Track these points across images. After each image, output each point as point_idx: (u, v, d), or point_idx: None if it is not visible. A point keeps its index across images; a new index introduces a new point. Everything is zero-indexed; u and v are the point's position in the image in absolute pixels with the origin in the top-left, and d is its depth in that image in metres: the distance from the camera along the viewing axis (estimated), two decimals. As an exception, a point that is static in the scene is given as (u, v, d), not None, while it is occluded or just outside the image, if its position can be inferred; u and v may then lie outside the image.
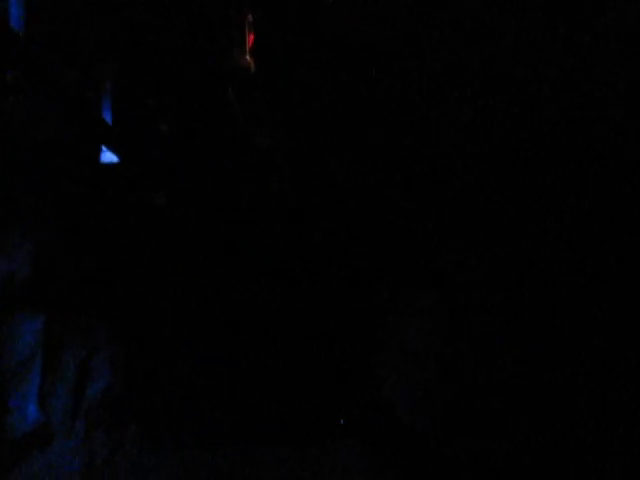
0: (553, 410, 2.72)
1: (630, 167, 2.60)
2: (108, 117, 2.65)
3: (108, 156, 2.75)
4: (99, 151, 2.74)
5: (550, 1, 2.54)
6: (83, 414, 2.81)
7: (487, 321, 2.98)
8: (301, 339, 3.28)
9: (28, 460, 2.36)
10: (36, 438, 2.41)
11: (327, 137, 3.00)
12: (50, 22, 2.28)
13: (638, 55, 2.57)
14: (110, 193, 2.83)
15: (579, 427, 2.63)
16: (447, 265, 3.14)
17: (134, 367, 3.27)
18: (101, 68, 2.63)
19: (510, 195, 2.88)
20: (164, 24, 2.56)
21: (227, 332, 3.24)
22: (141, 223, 3.05)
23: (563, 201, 2.73)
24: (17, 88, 2.08)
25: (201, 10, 2.51)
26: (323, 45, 2.70)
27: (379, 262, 3.32)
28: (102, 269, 2.95)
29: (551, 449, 2.68)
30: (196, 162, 3.06)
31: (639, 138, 2.62)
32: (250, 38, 2.57)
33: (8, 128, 2.13)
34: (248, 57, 2.58)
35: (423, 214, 3.09)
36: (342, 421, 2.94)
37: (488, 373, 2.91)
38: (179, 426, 3.29)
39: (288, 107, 2.97)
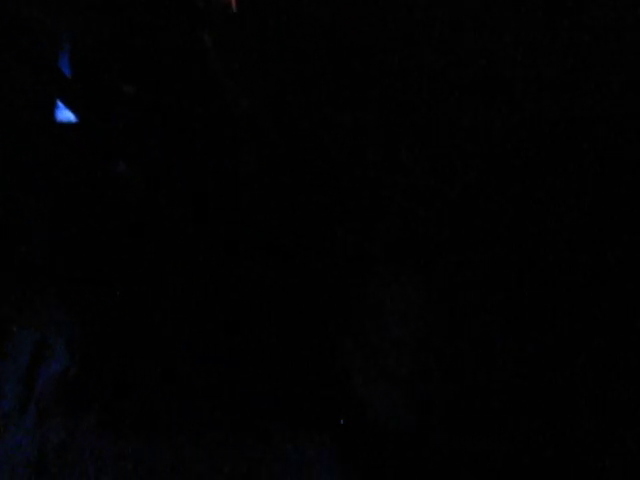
0: (549, 410, 2.71)
1: (630, 167, 2.60)
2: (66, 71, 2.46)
3: (65, 115, 2.54)
4: (54, 107, 2.58)
5: (550, 0, 2.54)
6: (36, 400, 2.68)
7: (482, 308, 2.90)
8: (270, 319, 3.09)
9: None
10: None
11: (323, 102, 2.85)
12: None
13: (638, 55, 2.58)
14: (65, 156, 2.66)
15: (578, 427, 2.63)
16: (437, 246, 2.99)
17: (95, 350, 3.08)
18: (59, 20, 2.43)
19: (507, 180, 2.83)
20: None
21: (199, 315, 3.05)
22: (101, 191, 2.84)
23: (563, 201, 2.74)
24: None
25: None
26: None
27: (366, 240, 3.10)
28: (60, 244, 2.81)
29: (545, 450, 2.67)
30: (164, 126, 2.85)
31: (639, 138, 2.63)
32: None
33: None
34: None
35: (418, 194, 3.01)
36: (342, 421, 2.93)
37: (486, 371, 2.85)
38: (141, 415, 3.09)
39: (277, 59, 2.68)
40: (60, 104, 2.52)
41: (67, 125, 2.57)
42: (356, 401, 2.94)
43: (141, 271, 2.95)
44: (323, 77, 2.82)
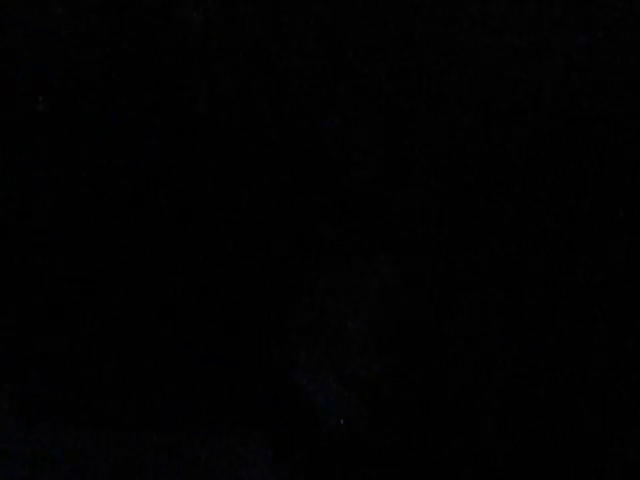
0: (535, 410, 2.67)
1: (630, 167, 2.60)
2: None
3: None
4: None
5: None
6: None
7: (461, 301, 2.75)
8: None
9: None
10: None
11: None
12: None
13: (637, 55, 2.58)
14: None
15: (574, 427, 2.60)
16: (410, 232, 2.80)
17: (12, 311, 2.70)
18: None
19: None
20: None
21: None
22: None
23: (563, 201, 2.74)
24: None
25: None
26: None
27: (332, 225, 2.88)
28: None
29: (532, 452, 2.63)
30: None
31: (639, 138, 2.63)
32: None
33: None
34: None
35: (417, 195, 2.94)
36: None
37: (463, 371, 2.72)
38: (57, 398, 2.75)
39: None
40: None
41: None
42: (300, 399, 2.78)
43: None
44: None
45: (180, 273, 2.82)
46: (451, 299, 2.74)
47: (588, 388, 2.63)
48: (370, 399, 2.70)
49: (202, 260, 2.82)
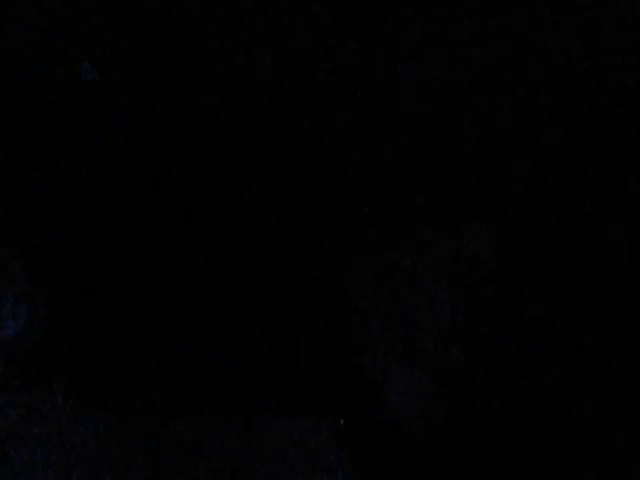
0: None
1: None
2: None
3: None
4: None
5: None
6: None
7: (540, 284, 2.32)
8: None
9: None
10: None
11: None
12: None
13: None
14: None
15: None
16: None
17: (61, 306, 2.55)
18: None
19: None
20: None
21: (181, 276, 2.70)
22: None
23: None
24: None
25: None
26: None
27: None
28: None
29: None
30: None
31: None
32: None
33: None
34: None
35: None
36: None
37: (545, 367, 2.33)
38: (116, 388, 2.63)
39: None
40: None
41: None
42: (372, 387, 2.49)
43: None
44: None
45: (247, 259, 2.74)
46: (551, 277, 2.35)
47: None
48: (451, 390, 2.38)
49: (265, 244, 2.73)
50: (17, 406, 2.38)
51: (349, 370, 2.60)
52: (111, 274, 2.74)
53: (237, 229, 2.78)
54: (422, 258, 2.47)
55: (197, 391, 2.70)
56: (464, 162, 2.78)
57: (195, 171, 2.97)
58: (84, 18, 2.72)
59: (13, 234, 2.47)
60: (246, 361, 2.77)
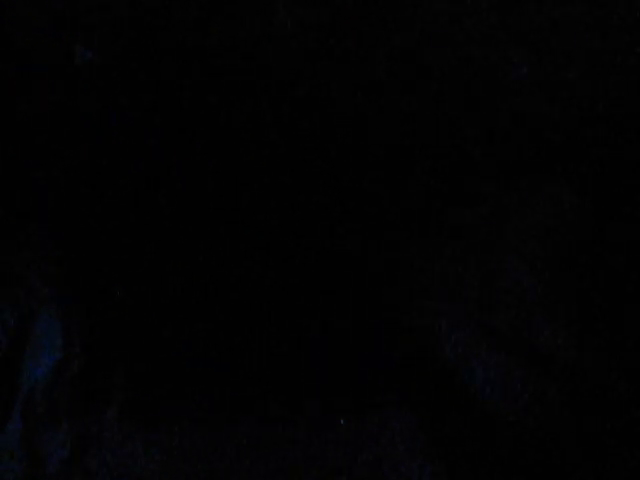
0: None
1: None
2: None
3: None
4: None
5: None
6: (20, 404, 2.04)
7: None
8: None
9: None
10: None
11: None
12: None
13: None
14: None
15: None
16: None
17: (99, 328, 2.30)
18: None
19: None
20: None
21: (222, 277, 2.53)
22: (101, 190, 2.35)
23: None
24: None
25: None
26: None
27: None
28: (59, 243, 2.38)
29: None
30: (164, 126, 2.63)
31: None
32: None
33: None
34: None
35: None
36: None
37: None
38: (171, 402, 2.47)
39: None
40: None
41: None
42: (444, 364, 2.24)
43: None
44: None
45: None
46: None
47: None
48: (543, 377, 2.07)
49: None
50: (65, 442, 2.13)
51: (423, 360, 2.43)
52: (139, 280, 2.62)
53: (252, 226, 2.72)
54: (504, 227, 2.18)
55: (260, 396, 2.58)
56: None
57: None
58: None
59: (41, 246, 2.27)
60: (306, 360, 2.65)
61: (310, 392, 2.56)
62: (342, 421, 2.83)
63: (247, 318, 2.64)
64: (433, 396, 2.30)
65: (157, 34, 2.74)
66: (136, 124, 2.88)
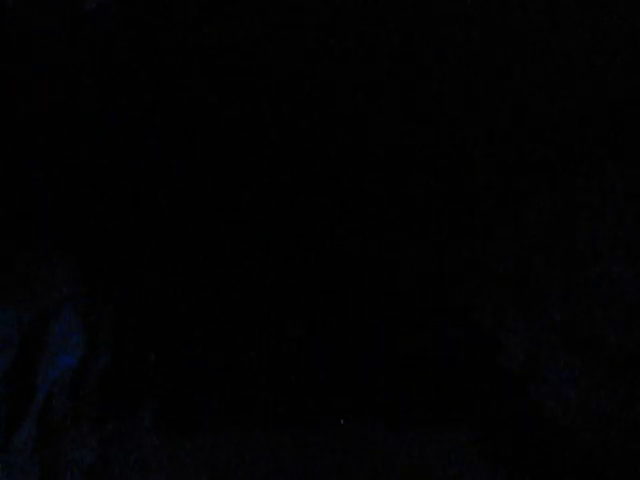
0: None
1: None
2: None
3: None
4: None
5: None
6: (37, 408, 1.87)
7: None
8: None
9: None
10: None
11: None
12: None
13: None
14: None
15: None
16: None
17: (124, 324, 2.11)
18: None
19: None
20: None
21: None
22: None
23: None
24: None
25: None
26: None
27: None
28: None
29: None
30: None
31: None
32: None
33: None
34: None
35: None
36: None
37: None
38: (207, 401, 2.31)
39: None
40: None
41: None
42: (507, 375, 2.04)
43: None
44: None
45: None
46: None
47: None
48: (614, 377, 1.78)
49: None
50: (89, 447, 1.96)
51: (488, 369, 2.29)
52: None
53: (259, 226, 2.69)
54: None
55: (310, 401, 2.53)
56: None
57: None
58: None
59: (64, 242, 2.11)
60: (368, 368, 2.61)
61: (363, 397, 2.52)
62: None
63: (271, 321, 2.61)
64: (495, 406, 2.15)
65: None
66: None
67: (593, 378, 1.92)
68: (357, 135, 2.88)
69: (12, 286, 1.94)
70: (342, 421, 2.82)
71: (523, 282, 2.20)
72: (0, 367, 1.88)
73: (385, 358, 2.64)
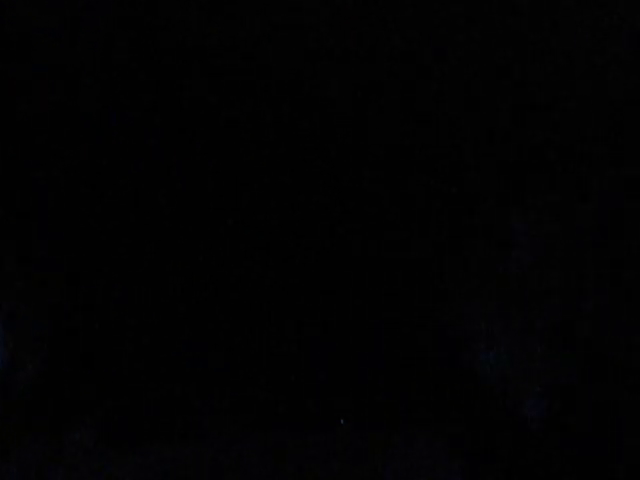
0: None
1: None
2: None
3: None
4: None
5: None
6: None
7: None
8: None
9: None
10: None
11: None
12: None
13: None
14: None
15: None
16: None
17: (67, 339, 2.04)
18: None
19: None
20: None
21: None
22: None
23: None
24: None
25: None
26: None
27: None
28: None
29: None
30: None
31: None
32: None
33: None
34: None
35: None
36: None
37: None
38: (148, 415, 2.28)
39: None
40: None
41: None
42: (475, 379, 2.12)
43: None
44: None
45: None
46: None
47: None
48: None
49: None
50: (36, 451, 1.86)
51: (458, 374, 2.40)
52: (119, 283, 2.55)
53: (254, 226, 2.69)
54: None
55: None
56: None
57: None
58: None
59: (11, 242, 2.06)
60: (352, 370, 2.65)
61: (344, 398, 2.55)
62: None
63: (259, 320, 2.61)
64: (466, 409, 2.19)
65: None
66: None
67: (564, 377, 1.93)
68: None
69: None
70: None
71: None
72: None
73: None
